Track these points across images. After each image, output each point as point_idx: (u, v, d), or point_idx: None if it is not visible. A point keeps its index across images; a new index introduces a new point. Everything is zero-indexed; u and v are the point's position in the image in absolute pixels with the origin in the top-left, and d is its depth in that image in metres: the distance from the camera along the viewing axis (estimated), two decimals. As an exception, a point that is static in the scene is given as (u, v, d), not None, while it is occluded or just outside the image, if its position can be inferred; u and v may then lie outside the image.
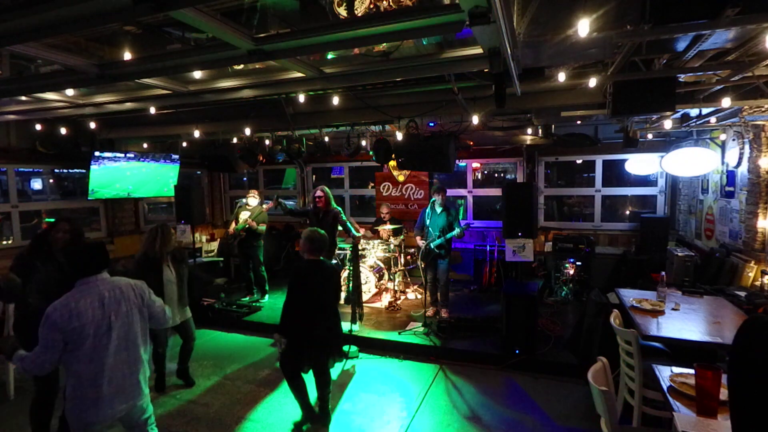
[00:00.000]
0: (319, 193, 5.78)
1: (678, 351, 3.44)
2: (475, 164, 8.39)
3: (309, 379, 3.63)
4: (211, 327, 6.16)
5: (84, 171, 6.76)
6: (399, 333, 5.48)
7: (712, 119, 4.60)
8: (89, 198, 6.79)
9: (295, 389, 3.59)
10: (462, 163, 8.14)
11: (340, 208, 5.88)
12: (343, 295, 6.65)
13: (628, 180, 7.58)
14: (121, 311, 2.39)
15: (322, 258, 3.66)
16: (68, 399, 2.30)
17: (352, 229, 5.80)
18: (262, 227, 6.75)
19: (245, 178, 10.50)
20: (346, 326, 5.38)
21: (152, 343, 4.26)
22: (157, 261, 4.02)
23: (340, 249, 7.01)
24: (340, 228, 5.86)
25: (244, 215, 6.71)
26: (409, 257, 7.40)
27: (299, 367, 3.54)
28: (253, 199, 6.85)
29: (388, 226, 7.05)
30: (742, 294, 4.18)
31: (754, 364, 1.30)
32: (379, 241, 7.03)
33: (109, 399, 2.32)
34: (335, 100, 4.72)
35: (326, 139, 5.97)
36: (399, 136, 5.32)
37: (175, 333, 4.37)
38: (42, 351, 2.19)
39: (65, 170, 7.62)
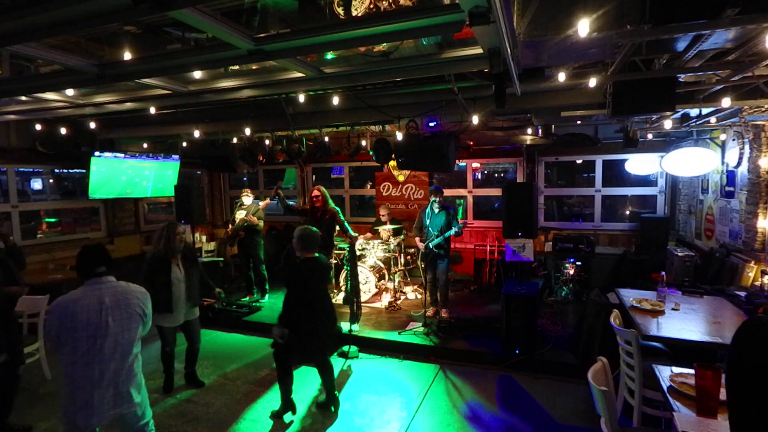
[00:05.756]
0: (315, 192, 5.78)
1: (678, 351, 3.44)
2: (475, 164, 8.38)
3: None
4: (211, 327, 6.15)
5: (84, 171, 6.76)
6: (399, 333, 5.48)
7: (712, 119, 4.59)
8: (89, 198, 6.80)
9: (281, 380, 3.79)
10: (462, 163, 8.14)
11: (338, 209, 5.88)
12: (341, 294, 6.66)
13: (628, 180, 7.57)
14: (120, 317, 2.40)
15: (317, 255, 3.75)
16: (63, 401, 2.34)
17: (350, 229, 5.80)
18: (261, 223, 6.78)
19: (245, 178, 10.49)
20: (345, 326, 5.43)
21: (160, 342, 4.26)
22: (163, 260, 4.01)
23: (339, 249, 7.02)
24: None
25: (240, 215, 6.72)
26: (409, 257, 7.40)
27: (291, 359, 3.78)
28: (247, 198, 6.86)
29: (388, 226, 7.05)
30: (742, 294, 4.18)
31: (752, 365, 1.30)
32: (379, 241, 7.02)
33: (98, 405, 2.32)
34: (335, 100, 4.71)
35: (326, 139, 5.97)
36: (399, 136, 5.31)
37: (180, 332, 4.31)
38: (44, 334, 2.39)
39: (65, 170, 7.62)
